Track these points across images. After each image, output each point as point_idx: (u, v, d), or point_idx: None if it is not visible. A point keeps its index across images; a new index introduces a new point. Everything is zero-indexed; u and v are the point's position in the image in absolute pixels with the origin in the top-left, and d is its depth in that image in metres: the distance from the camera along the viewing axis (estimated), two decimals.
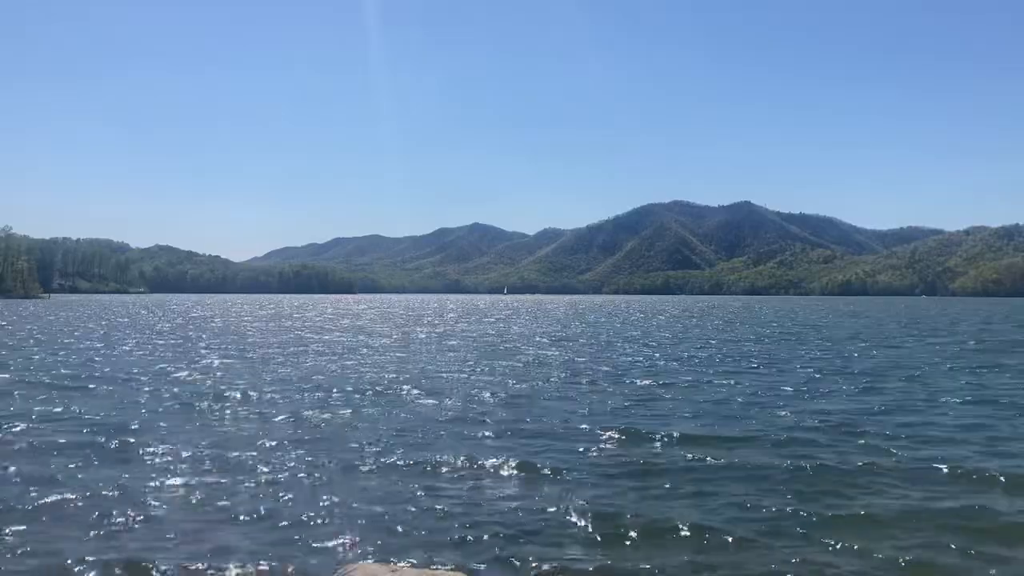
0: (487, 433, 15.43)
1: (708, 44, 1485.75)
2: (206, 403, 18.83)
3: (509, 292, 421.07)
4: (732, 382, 23.71)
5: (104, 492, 10.96)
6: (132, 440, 14.38)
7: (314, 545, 8.97)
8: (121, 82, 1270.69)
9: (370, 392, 20.96)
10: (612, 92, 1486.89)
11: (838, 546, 8.96)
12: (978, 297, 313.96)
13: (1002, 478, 11.88)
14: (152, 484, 11.43)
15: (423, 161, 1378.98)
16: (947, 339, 46.61)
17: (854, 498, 10.95)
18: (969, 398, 20.35)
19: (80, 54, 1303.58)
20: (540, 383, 23.40)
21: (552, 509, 10.38)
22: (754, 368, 28.50)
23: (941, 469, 12.45)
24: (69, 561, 8.42)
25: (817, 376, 25.62)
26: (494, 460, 12.92)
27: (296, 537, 9.24)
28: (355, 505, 10.45)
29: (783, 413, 17.82)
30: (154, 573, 8.18)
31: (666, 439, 14.74)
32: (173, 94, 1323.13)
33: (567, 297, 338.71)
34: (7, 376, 24.53)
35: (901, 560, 8.55)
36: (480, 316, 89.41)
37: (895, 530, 9.58)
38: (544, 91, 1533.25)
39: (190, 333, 49.22)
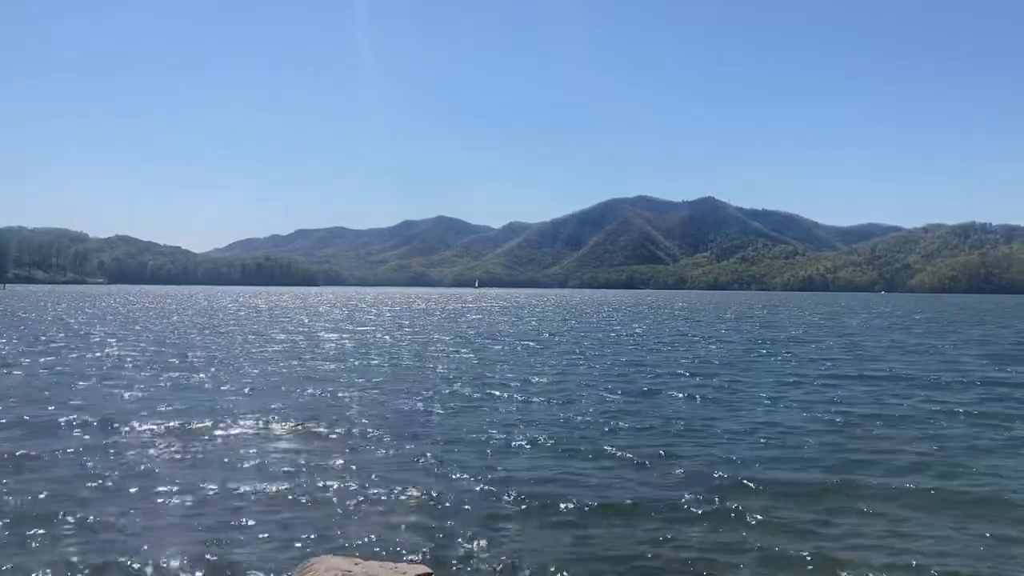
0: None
1: (671, 42, 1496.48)
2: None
3: (481, 286, 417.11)
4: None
5: None
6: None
7: (276, 538, 8.76)
8: (82, 71, 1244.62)
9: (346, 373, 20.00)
10: (578, 88, 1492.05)
11: None
12: (935, 294, 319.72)
13: None
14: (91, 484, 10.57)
15: (388, 153, 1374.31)
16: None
17: None
18: None
19: (42, 43, 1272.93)
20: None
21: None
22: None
23: None
24: None
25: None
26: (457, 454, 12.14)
27: (257, 530, 8.99)
28: (319, 497, 10.28)
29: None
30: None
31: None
32: (135, 84, 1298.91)
33: (530, 291, 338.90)
34: None
35: None
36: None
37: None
38: (510, 86, 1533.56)
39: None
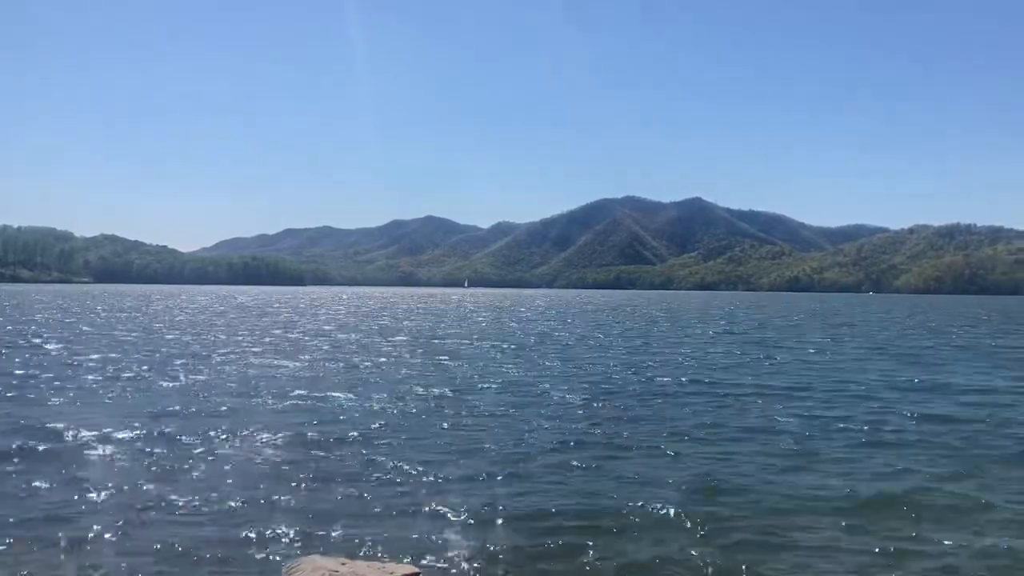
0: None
1: (660, 43, 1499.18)
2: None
3: (470, 285, 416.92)
4: None
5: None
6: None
7: (261, 538, 8.79)
8: (69, 68, 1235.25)
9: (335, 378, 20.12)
10: (568, 89, 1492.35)
11: None
12: (919, 295, 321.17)
13: None
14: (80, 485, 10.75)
15: (377, 153, 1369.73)
16: None
17: None
18: None
19: (28, 40, 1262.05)
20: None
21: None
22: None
23: None
24: None
25: None
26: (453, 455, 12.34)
27: (243, 529, 9.04)
28: (305, 498, 10.34)
29: None
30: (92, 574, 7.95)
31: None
32: (123, 82, 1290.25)
33: (516, 291, 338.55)
34: None
35: None
36: None
37: None
38: (500, 87, 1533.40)
39: None
